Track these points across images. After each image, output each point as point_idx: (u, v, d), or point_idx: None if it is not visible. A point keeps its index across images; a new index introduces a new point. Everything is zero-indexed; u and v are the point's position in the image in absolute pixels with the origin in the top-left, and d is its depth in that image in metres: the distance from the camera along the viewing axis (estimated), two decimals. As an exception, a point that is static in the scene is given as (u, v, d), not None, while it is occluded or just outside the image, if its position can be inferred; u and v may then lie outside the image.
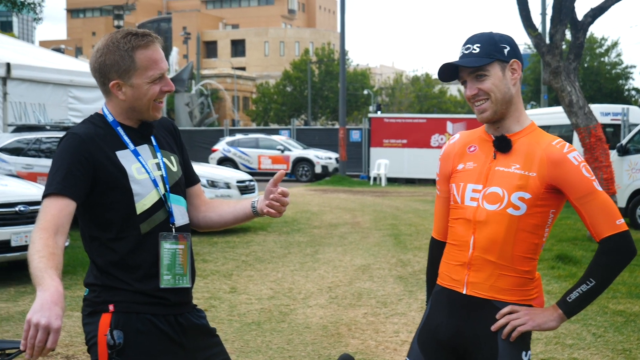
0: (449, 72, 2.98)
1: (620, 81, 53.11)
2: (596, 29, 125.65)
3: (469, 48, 2.91)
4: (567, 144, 2.92)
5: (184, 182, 3.13)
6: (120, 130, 2.97)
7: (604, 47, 52.93)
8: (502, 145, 2.93)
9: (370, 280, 10.02)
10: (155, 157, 3.01)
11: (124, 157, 2.91)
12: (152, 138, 3.05)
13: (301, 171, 32.16)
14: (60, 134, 14.90)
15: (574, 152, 2.87)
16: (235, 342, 7.05)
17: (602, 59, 52.54)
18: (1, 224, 9.21)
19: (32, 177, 13.65)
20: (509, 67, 2.91)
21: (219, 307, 8.42)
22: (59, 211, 2.71)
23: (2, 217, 9.26)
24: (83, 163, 2.81)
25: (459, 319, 2.95)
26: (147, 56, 2.91)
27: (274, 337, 7.23)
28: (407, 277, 10.16)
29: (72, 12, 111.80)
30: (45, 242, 2.59)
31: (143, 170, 2.93)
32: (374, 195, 24.72)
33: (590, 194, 2.82)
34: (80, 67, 23.96)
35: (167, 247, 2.92)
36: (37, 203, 9.54)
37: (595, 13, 13.09)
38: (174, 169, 3.07)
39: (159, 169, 2.99)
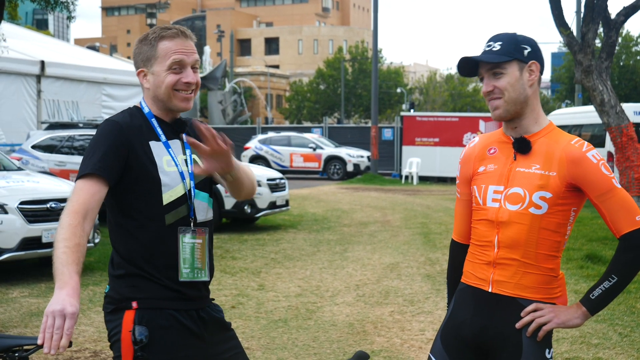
0: (468, 67, 3.03)
1: (657, 80, 52.50)
2: (632, 27, 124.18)
3: (490, 45, 2.98)
4: (586, 142, 2.96)
5: (211, 181, 3.20)
6: (154, 122, 3.06)
7: (640, 46, 52.36)
8: (522, 146, 2.98)
9: (398, 278, 10.05)
10: (184, 153, 3.09)
11: (156, 148, 3.00)
12: (184, 135, 3.13)
13: (333, 169, 32.20)
14: (94, 132, 15.08)
15: (593, 151, 2.92)
16: (261, 339, 7.12)
17: (638, 58, 51.94)
18: (33, 221, 9.37)
19: (64, 174, 13.85)
20: (527, 68, 2.97)
21: (246, 304, 8.50)
22: (90, 195, 2.79)
23: (34, 214, 9.43)
24: (119, 147, 2.90)
25: (484, 316, 3.00)
26: (168, 46, 3.02)
27: (300, 334, 7.29)
28: (435, 276, 10.17)
29: (107, 10, 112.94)
30: (73, 231, 2.68)
31: (172, 163, 3.01)
32: (405, 193, 24.70)
33: (610, 191, 2.87)
34: (114, 65, 24.25)
35: (186, 241, 2.99)
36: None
37: (628, 12, 12.97)
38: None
39: (186, 165, 3.07)
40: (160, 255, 2.95)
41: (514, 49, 2.95)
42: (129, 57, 75.09)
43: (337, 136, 36.50)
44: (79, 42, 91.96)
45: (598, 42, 19.18)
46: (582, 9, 13.49)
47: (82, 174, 2.85)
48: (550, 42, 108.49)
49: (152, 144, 3.00)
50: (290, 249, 12.62)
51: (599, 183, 2.87)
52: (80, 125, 15.57)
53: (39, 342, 2.45)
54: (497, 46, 2.96)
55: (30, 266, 10.62)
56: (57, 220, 9.38)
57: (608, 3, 13.02)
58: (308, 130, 38.01)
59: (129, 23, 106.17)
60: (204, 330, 3.03)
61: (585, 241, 12.89)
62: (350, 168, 32.13)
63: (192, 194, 3.04)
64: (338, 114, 66.59)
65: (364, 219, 17.13)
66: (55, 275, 2.60)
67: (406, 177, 30.30)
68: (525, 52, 2.96)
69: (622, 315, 8.01)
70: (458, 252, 3.23)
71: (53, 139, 15.23)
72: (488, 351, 3.01)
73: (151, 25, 25.26)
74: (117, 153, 2.89)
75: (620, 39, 52.34)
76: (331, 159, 32.32)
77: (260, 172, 15.38)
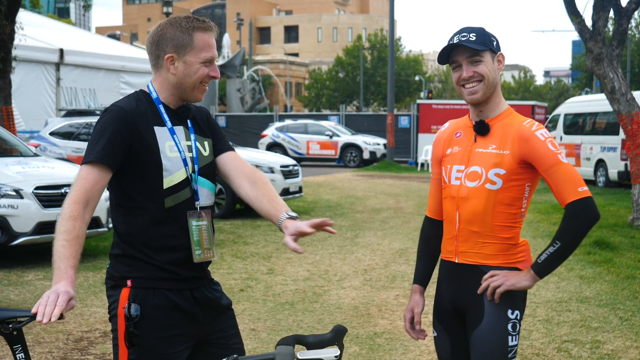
0: (443, 55, 3.30)
1: (677, 67, 52.04)
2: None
3: (465, 36, 3.22)
4: (537, 123, 3.25)
5: (214, 168, 3.29)
6: (161, 107, 3.13)
7: (661, 33, 51.90)
8: (481, 129, 3.29)
9: (406, 263, 10.18)
10: (188, 139, 3.17)
11: (160, 133, 3.07)
12: (189, 122, 3.22)
13: (349, 157, 32.33)
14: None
15: (542, 130, 3.20)
16: (267, 320, 7.29)
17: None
18: (47, 205, 9.58)
19: (81, 160, 14.07)
20: (497, 58, 3.28)
21: (255, 287, 8.68)
22: (92, 184, 2.91)
23: (49, 199, 9.64)
24: (123, 133, 2.98)
25: (455, 285, 3.33)
26: (205, 39, 3.09)
27: (305, 316, 7.45)
28: (443, 261, 10.28)
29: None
30: (73, 223, 2.82)
31: (175, 149, 3.08)
32: (420, 181, 24.78)
33: (555, 165, 3.13)
34: (133, 53, 24.45)
35: (194, 224, 3.09)
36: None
37: (640, -1, 13.00)
38: (206, 153, 3.23)
39: (190, 151, 3.15)
40: (158, 236, 3.04)
41: (488, 40, 3.23)
42: (148, 45, 75.46)
43: (353, 124, 36.60)
44: (100, 30, 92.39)
45: (610, 31, 19.16)
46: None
47: (86, 161, 2.94)
48: (570, 30, 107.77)
49: (157, 129, 3.07)
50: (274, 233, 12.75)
51: (546, 158, 3.14)
52: (98, 112, 15.77)
53: (33, 311, 2.61)
54: (472, 37, 3.21)
55: (45, 250, 10.83)
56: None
57: (620, -9, 13.05)
58: (325, 118, 38.14)
59: (150, 11, 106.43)
60: (199, 310, 3.12)
61: (595, 228, 12.94)
62: (366, 155, 32.24)
63: (194, 179, 3.12)
64: (357, 102, 66.60)
65: (377, 205, 17.27)
66: (53, 266, 2.77)
67: (422, 164, 30.36)
68: (494, 43, 3.27)
69: (624, 300, 8.11)
70: (428, 226, 3.54)
71: (71, 126, 15.46)
72: (463, 315, 3.33)
73: (167, 14, 25.37)
74: (121, 139, 2.96)
75: (634, 27, 51.96)
76: (347, 147, 32.44)
77: (274, 159, 15.54)
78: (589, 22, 13.31)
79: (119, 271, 3.05)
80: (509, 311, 3.21)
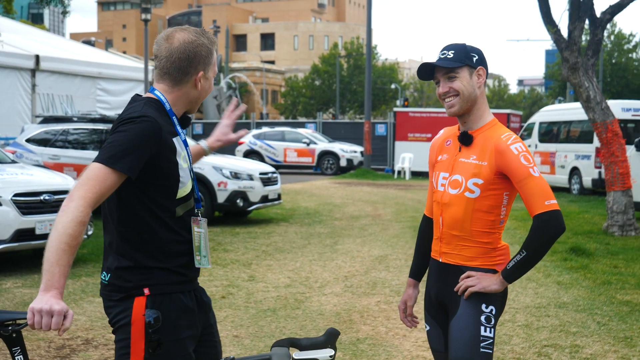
0: (426, 72, 3.55)
1: (648, 77, 52.74)
2: (624, 25, 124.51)
3: (444, 53, 3.48)
4: (514, 136, 3.43)
5: None
6: (175, 119, 3.16)
7: (632, 44, 52.56)
8: (464, 140, 3.52)
9: (386, 270, 10.25)
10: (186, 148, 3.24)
11: (178, 145, 3.09)
12: (185, 131, 3.28)
13: (326, 164, 32.41)
14: (88, 126, 15.25)
15: (518, 144, 3.39)
16: (250, 327, 7.31)
17: (630, 56, 52.19)
18: (26, 212, 9.53)
19: (58, 167, 14.00)
20: (476, 72, 3.48)
21: (236, 294, 8.70)
22: (108, 190, 2.83)
23: (28, 206, 9.59)
24: (153, 149, 2.94)
25: (439, 281, 3.60)
26: (215, 57, 3.20)
27: (287, 323, 7.49)
28: (422, 268, 10.35)
29: (103, 5, 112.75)
30: (81, 230, 2.72)
31: (187, 159, 3.13)
32: (397, 188, 24.91)
33: (527, 178, 3.33)
34: (109, 59, 24.35)
35: (197, 231, 3.14)
36: (62, 192, 9.89)
37: (614, 10, 13.20)
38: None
39: (189, 159, 3.21)
40: (172, 244, 3.07)
41: (465, 57, 3.45)
42: (124, 52, 75.18)
43: (330, 131, 36.71)
44: (74, 36, 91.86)
45: (585, 40, 19.39)
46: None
47: (111, 166, 2.84)
48: (544, 40, 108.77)
49: (175, 141, 3.09)
50: (282, 241, 12.81)
51: (518, 171, 3.34)
52: (75, 119, 15.68)
53: (29, 322, 2.62)
54: (450, 54, 3.45)
55: (24, 257, 10.80)
56: (50, 212, 9.51)
57: (594, 1, 13.24)
58: (302, 125, 38.22)
59: (125, 18, 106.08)
60: (199, 310, 3.18)
61: (571, 235, 13.11)
62: (343, 163, 32.34)
63: (195, 187, 3.21)
64: (333, 109, 66.74)
65: (355, 212, 17.34)
66: (44, 268, 2.70)
67: (399, 172, 30.50)
68: (474, 59, 3.47)
69: (601, 305, 8.23)
70: (425, 225, 3.80)
71: (47, 133, 15.35)
72: (447, 309, 3.58)
73: (146, 21, 25.28)
74: (149, 153, 2.93)
75: (612, 37, 52.61)
76: (325, 154, 32.53)
77: (253, 166, 15.55)
78: (564, 32, 13.49)
79: (132, 281, 3.00)
80: (483, 305, 3.44)
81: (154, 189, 3.02)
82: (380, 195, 21.82)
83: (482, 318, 3.43)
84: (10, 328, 2.90)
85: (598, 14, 13.29)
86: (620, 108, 19.97)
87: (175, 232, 3.09)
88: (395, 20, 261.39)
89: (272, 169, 15.89)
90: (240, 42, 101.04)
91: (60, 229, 2.71)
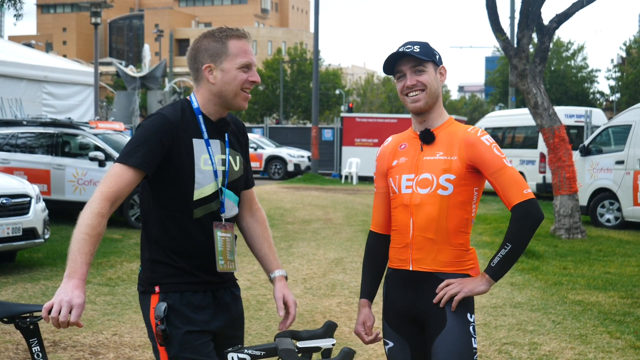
0: (391, 65, 3.43)
1: (586, 84, 53.96)
2: (563, 34, 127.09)
3: (409, 47, 3.36)
4: (481, 129, 3.39)
5: (243, 182, 3.41)
6: (200, 118, 3.21)
7: (571, 51, 53.75)
8: (427, 137, 3.40)
9: (343, 272, 10.42)
10: (223, 153, 3.25)
11: (198, 145, 3.16)
12: (226, 135, 3.31)
13: (274, 169, 32.52)
14: (38, 129, 15.10)
15: (486, 136, 3.35)
16: (215, 328, 7.38)
17: (568, 63, 53.35)
18: (-16, 217, 9.46)
19: (8, 171, 13.82)
20: (439, 70, 3.43)
21: (198, 296, 8.75)
22: (125, 185, 3.00)
23: (-15, 210, 9.52)
24: (164, 143, 3.06)
25: (410, 292, 3.37)
26: (239, 45, 3.18)
27: (252, 324, 7.59)
28: (378, 270, 10.55)
29: (43, 8, 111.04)
30: (100, 220, 2.91)
31: (209, 162, 3.17)
32: (346, 193, 25.14)
33: (501, 169, 3.27)
34: (55, 63, 24.02)
35: (220, 235, 3.21)
36: (19, 196, 9.84)
37: (561, 19, 13.60)
38: (236, 168, 3.33)
39: (223, 164, 3.24)
40: (185, 244, 3.16)
41: (431, 53, 3.38)
42: (64, 56, 74.03)
43: (277, 136, 36.83)
44: (13, 39, 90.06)
45: (532, 48, 19.89)
46: (517, 15, 14.06)
47: (125, 162, 3.01)
48: (484, 47, 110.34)
49: (195, 142, 3.16)
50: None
51: (492, 162, 3.27)
52: (24, 122, 15.51)
53: (44, 316, 2.76)
54: (417, 49, 3.35)
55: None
56: (7, 215, 9.40)
57: (541, 10, 13.63)
58: (249, 130, 38.23)
59: (65, 21, 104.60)
60: (218, 310, 3.25)
61: (520, 238, 13.43)
62: (291, 168, 32.48)
63: (223, 192, 3.24)
64: (277, 114, 66.78)
65: (306, 217, 17.48)
66: (69, 257, 2.86)
67: (346, 177, 30.75)
68: (437, 57, 3.42)
69: (555, 304, 8.52)
70: (374, 241, 3.60)
71: (-4, 137, 15.16)
72: (422, 323, 3.37)
73: (96, 24, 25.10)
74: (161, 147, 3.06)
75: (551, 45, 53.66)
76: (272, 159, 32.64)
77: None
78: (512, 40, 13.85)
79: (148, 276, 3.18)
80: (468, 315, 3.31)
81: (169, 187, 3.13)
82: (329, 200, 22.01)
83: (471, 329, 3.30)
84: (28, 320, 2.98)
85: (545, 23, 13.68)
86: (563, 114, 20.54)
87: (190, 233, 3.16)
88: (338, 26, 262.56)
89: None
90: (183, 46, 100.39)
91: (81, 222, 2.90)
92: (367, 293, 3.58)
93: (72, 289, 2.78)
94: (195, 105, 3.24)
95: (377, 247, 3.57)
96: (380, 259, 3.57)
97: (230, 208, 3.30)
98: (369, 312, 3.56)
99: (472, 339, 3.28)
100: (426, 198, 3.31)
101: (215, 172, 3.21)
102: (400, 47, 3.37)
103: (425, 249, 3.31)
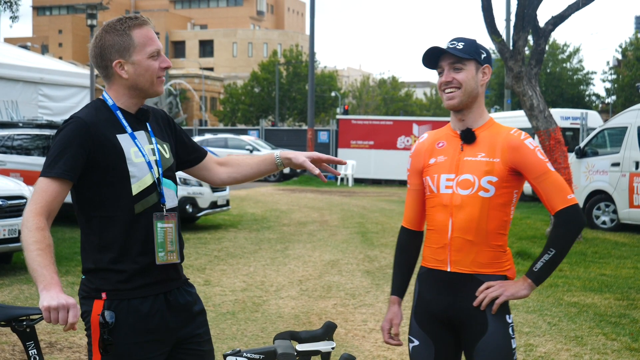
0: (430, 59, 3.40)
1: (581, 87, 54.12)
2: (559, 36, 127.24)
3: (454, 43, 3.35)
4: (524, 132, 3.36)
5: (175, 168, 3.34)
6: (119, 114, 3.13)
7: (566, 54, 53.88)
8: (468, 137, 3.36)
9: (339, 274, 10.43)
10: (150, 142, 3.19)
11: (124, 140, 3.09)
12: (148, 125, 3.25)
13: (269, 171, 32.47)
14: (34, 131, 15.11)
15: (530, 139, 3.32)
16: (211, 329, 7.34)
17: (564, 65, 53.48)
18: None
19: (4, 173, 13.78)
20: (482, 69, 3.38)
21: (194, 298, 8.75)
22: (54, 197, 2.95)
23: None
24: (85, 146, 2.99)
25: (448, 294, 3.34)
26: (143, 34, 3.13)
27: (248, 325, 7.60)
28: (374, 272, 10.59)
29: (39, 10, 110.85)
30: (42, 234, 2.86)
31: (140, 154, 3.10)
32: (342, 195, 25.16)
33: (545, 174, 3.26)
34: (51, 65, 23.98)
35: (160, 226, 3.12)
36: (16, 197, 9.83)
37: (556, 21, 13.62)
38: (167, 155, 3.27)
39: (154, 154, 3.19)
40: (132, 243, 3.08)
41: (474, 51, 3.34)
42: (60, 58, 73.94)
43: (273, 138, 36.87)
44: (9, 41, 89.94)
45: (527, 50, 19.93)
46: (512, 18, 14.10)
47: (47, 175, 2.98)
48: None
49: (120, 137, 3.08)
50: (233, 247, 12.90)
51: (536, 166, 3.26)
52: (20, 124, 15.52)
53: (45, 319, 2.72)
54: (460, 45, 3.33)
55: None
56: (5, 217, 9.42)
57: (537, 12, 13.65)
58: (245, 132, 38.29)
59: (61, 23, 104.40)
60: (172, 315, 3.15)
61: (516, 239, 13.47)
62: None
63: (161, 182, 3.17)
64: (272, 117, 66.75)
65: (302, 218, 17.50)
66: (34, 276, 2.80)
67: (342, 179, 30.76)
68: (482, 56, 3.37)
69: (550, 306, 8.54)
70: (406, 237, 3.59)
71: (-10, 139, 15.16)
72: (458, 326, 3.35)
73: (92, 26, 25.09)
74: (82, 152, 2.99)
75: (547, 47, 53.78)
76: (268, 161, 32.55)
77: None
78: (508, 42, 13.88)
79: (94, 284, 3.07)
80: (507, 316, 3.31)
81: (104, 189, 3.07)
82: (325, 202, 22.03)
83: (510, 330, 3.30)
84: (24, 323, 2.98)
85: (541, 25, 13.70)
86: (559, 116, 20.58)
87: (133, 231, 3.09)
88: (334, 28, 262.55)
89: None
90: (178, 48, 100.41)
91: (26, 242, 2.86)
92: (398, 289, 3.59)
93: (57, 293, 2.74)
94: (110, 102, 3.18)
95: (410, 243, 3.58)
96: (412, 255, 3.58)
97: (171, 198, 3.22)
98: (397, 310, 3.57)
99: (512, 340, 3.30)
100: (467, 199, 3.29)
101: (148, 162, 3.15)
102: (449, 42, 3.37)
103: (465, 250, 3.30)
